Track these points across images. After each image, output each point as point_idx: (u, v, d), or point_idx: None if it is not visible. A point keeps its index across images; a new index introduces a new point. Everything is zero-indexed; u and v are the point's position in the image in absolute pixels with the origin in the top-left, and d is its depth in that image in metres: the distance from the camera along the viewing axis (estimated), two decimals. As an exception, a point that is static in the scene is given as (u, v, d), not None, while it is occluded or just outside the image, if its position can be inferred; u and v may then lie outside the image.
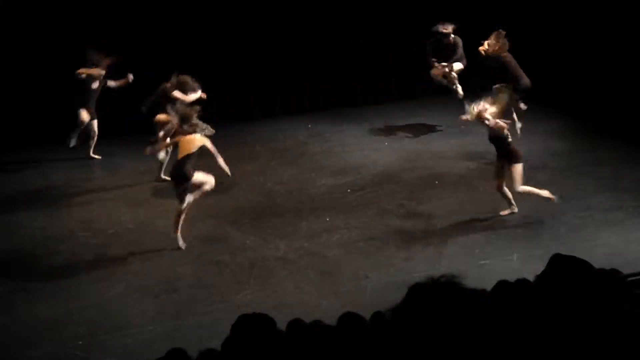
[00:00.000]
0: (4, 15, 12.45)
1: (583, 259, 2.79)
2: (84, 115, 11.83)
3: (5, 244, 9.65)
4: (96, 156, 12.22)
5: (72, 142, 11.95)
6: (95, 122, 11.95)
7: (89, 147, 12.16)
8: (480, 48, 11.97)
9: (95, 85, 11.77)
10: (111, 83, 11.88)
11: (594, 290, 2.66)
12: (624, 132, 12.91)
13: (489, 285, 3.76)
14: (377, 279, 8.65)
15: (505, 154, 9.68)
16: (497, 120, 9.53)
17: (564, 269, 2.73)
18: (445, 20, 13.27)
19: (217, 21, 13.64)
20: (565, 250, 2.92)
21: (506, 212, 10.03)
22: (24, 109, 12.56)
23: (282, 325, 4.21)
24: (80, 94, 11.82)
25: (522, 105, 12.19)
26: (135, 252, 9.04)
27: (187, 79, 10.92)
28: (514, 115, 11.93)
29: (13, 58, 12.54)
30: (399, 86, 15.18)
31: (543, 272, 2.78)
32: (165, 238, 9.33)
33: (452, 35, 13.18)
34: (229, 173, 9.44)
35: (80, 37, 12.71)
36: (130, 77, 11.80)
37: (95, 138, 12.08)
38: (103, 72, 11.76)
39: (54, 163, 12.12)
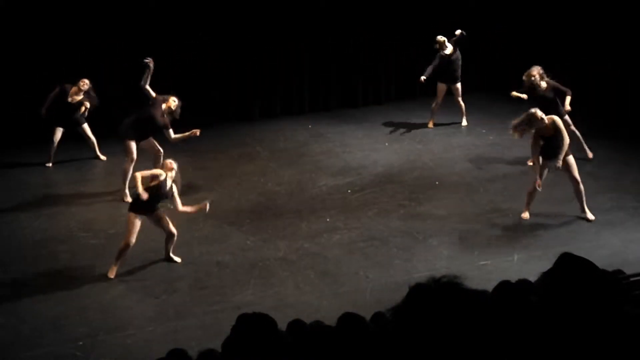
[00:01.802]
0: (5, 15, 12.44)
1: (589, 260, 2.78)
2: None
3: (6, 244, 9.65)
4: (102, 157, 12.20)
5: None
6: (84, 127, 11.92)
7: (93, 150, 12.16)
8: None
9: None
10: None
11: (597, 292, 2.65)
12: (624, 133, 12.91)
13: (489, 286, 3.76)
14: (377, 279, 8.65)
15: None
16: None
17: (572, 269, 2.72)
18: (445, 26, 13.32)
19: (217, 21, 13.63)
20: (565, 251, 2.91)
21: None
22: (25, 110, 12.53)
23: (282, 325, 4.20)
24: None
25: None
26: (135, 252, 9.01)
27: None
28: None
29: (14, 58, 12.53)
30: (399, 86, 15.18)
31: (550, 270, 2.77)
32: (166, 238, 9.32)
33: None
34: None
35: (80, 37, 12.74)
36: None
37: (93, 140, 12.04)
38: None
39: (54, 163, 12.10)
